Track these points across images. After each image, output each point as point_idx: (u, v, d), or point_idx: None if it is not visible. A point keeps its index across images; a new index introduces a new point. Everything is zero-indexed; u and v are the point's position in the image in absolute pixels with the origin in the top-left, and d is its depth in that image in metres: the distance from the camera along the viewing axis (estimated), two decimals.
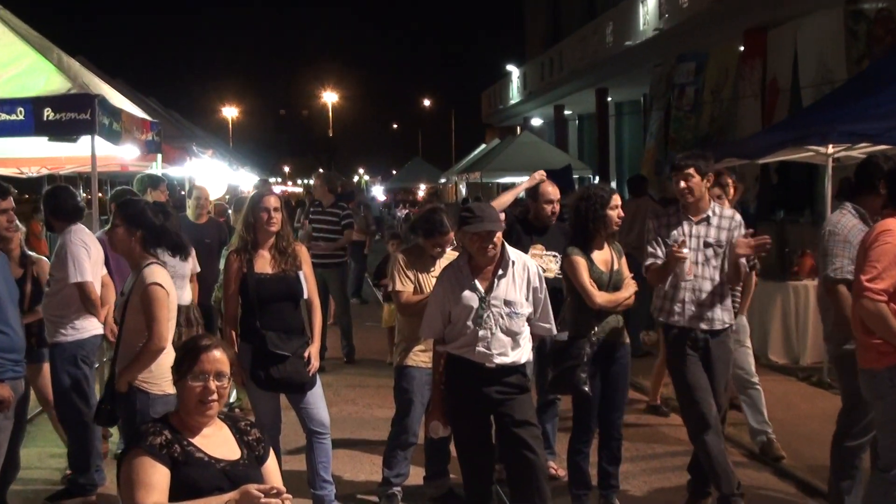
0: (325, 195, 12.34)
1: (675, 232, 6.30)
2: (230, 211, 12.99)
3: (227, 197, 19.60)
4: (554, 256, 7.09)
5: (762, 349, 11.19)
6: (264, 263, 6.28)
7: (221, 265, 8.42)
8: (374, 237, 20.75)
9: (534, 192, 7.37)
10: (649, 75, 23.47)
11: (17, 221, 7.25)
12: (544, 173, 7.55)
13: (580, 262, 6.27)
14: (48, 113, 7.51)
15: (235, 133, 71.39)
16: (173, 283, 5.64)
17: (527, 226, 7.29)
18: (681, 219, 6.33)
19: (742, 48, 18.46)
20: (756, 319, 10.60)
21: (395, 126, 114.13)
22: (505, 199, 7.65)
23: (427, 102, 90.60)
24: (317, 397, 6.35)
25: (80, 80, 8.02)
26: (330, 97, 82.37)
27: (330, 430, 6.46)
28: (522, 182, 7.80)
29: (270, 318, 6.17)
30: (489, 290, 5.47)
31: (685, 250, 6.05)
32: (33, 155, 11.13)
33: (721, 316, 6.28)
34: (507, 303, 5.46)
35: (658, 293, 6.41)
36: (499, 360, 5.44)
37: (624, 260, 6.51)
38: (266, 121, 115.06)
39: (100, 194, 9.98)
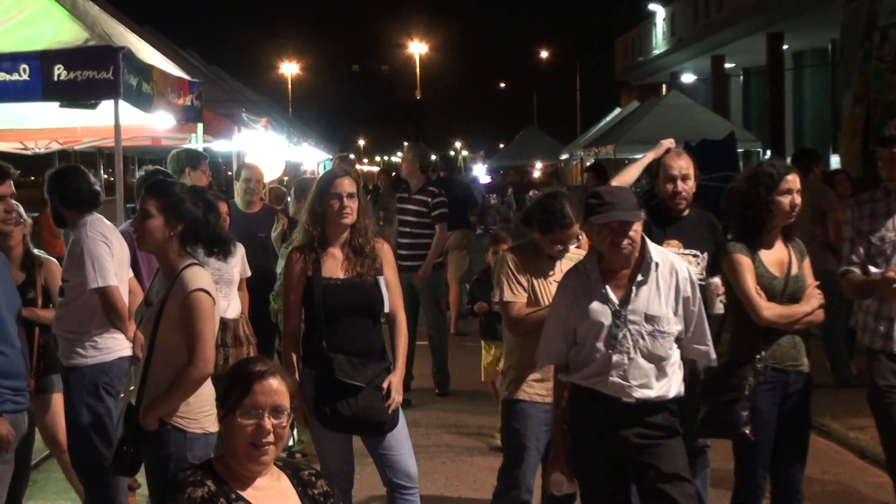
0: (415, 174, 12.21)
1: (885, 228, 6.16)
2: (290, 197, 13.09)
3: (286, 179, 19.77)
4: (694, 256, 6.95)
5: None
6: (335, 265, 6.31)
7: (279, 267, 8.48)
8: (473, 231, 20.73)
9: (657, 167, 7.22)
10: (839, 14, 22.98)
11: (22, 212, 7.36)
12: (673, 141, 7.40)
13: (743, 262, 6.17)
14: (59, 71, 7.57)
15: (296, 96, 72.41)
16: (217, 291, 5.69)
17: (656, 215, 7.07)
18: (892, 207, 6.19)
19: None
20: None
21: (502, 86, 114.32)
22: (628, 177, 7.50)
23: (544, 55, 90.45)
24: (400, 441, 6.36)
25: (99, 29, 8.08)
26: (417, 48, 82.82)
27: (418, 483, 6.45)
28: (654, 151, 7.61)
29: (341, 337, 6.20)
30: (625, 301, 5.43)
31: None
32: (41, 125, 11.32)
33: None
34: (650, 318, 5.42)
35: (860, 305, 6.27)
36: (639, 393, 5.39)
37: (807, 262, 6.37)
38: (335, 80, 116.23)
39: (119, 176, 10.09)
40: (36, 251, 7.75)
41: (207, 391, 5.30)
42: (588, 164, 34.25)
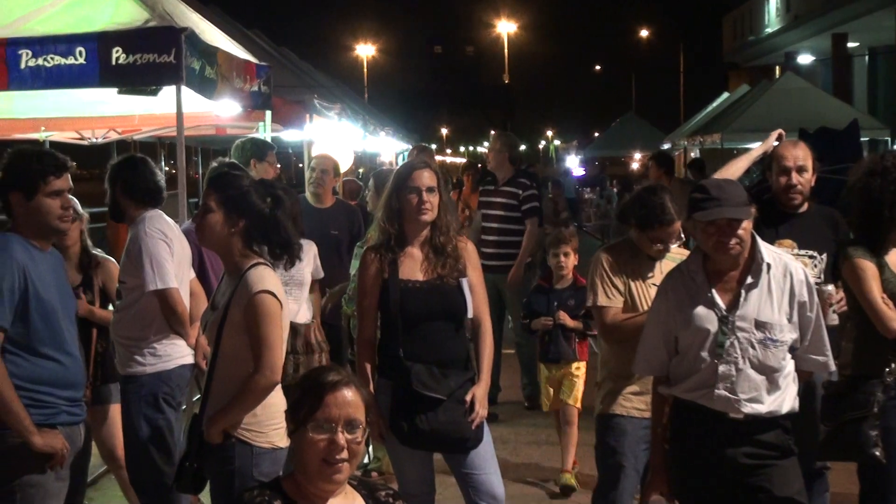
0: (503, 165, 12.13)
1: None
2: (367, 191, 13.12)
3: (362, 171, 19.83)
4: (811, 258, 6.87)
5: None
6: (413, 266, 6.32)
7: (353, 268, 8.50)
8: (565, 228, 20.69)
9: (769, 158, 7.12)
10: None
11: (79, 208, 7.45)
12: (783, 132, 7.31)
13: (866, 268, 6.10)
14: (118, 54, 7.62)
15: (372, 80, 72.73)
16: (285, 293, 5.72)
17: (769, 211, 6.97)
18: None
19: None
20: None
21: (597, 69, 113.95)
22: (734, 169, 7.42)
23: (644, 34, 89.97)
24: (485, 459, 6.35)
25: (160, 9, 8.13)
26: (506, 28, 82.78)
27: None
28: (764, 144, 7.54)
29: (420, 345, 6.21)
30: (733, 306, 5.39)
31: None
32: (98, 113, 11.43)
33: None
34: (761, 325, 5.38)
35: None
36: (748, 408, 5.35)
37: None
38: (415, 63, 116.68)
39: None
40: (95, 250, 7.85)
41: (277, 402, 5.31)
42: (692, 154, 34.11)
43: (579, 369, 9.30)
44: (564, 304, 9.36)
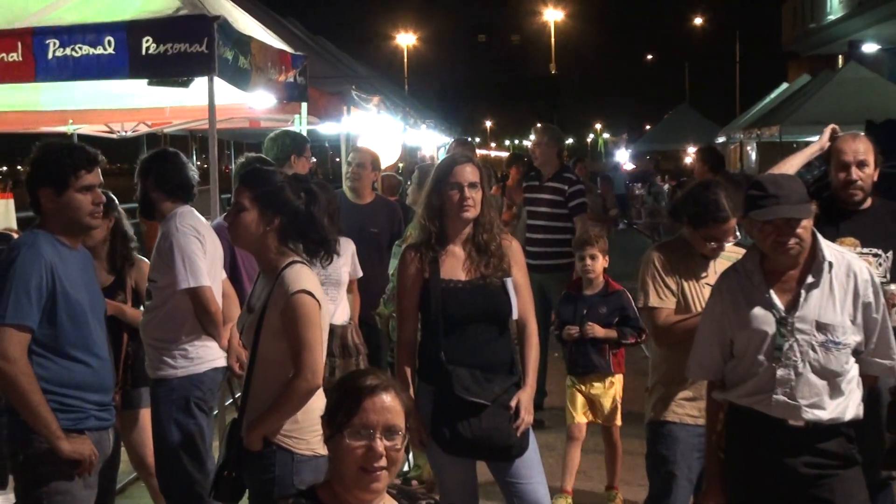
0: (550, 160, 12.10)
1: None
2: (409, 183, 13.13)
3: (402, 166, 19.82)
4: (875, 256, 6.83)
5: None
6: (455, 266, 6.33)
7: (392, 267, 8.51)
8: (614, 225, 20.65)
9: (828, 153, 7.08)
10: None
11: (115, 201, 7.49)
12: (836, 127, 7.26)
13: None
14: (148, 44, 7.67)
15: (413, 71, 72.75)
16: (324, 293, 5.73)
17: (829, 208, 6.91)
18: None
19: None
20: None
21: (649, 58, 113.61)
22: (787, 167, 7.38)
23: (698, 21, 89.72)
24: (530, 467, 6.35)
25: None
26: (553, 15, 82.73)
27: None
28: (819, 141, 7.49)
29: (462, 348, 6.21)
30: (792, 306, 5.38)
31: None
32: (128, 105, 11.54)
33: None
34: (822, 326, 5.36)
35: None
36: (809, 414, 5.34)
37: None
38: (458, 53, 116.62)
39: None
40: (132, 245, 7.90)
41: (318, 408, 5.29)
42: (749, 147, 33.96)
43: (613, 384, 8.97)
44: (594, 312, 8.95)
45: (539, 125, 12.98)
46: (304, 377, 5.36)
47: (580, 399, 9.00)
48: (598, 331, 8.84)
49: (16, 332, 5.39)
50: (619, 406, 8.97)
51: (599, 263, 9.04)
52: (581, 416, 9.00)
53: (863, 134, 7.16)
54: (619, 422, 8.99)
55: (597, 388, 8.92)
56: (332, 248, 5.78)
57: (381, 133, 16.18)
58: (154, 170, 7.16)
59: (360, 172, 9.98)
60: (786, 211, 5.24)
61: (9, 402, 5.57)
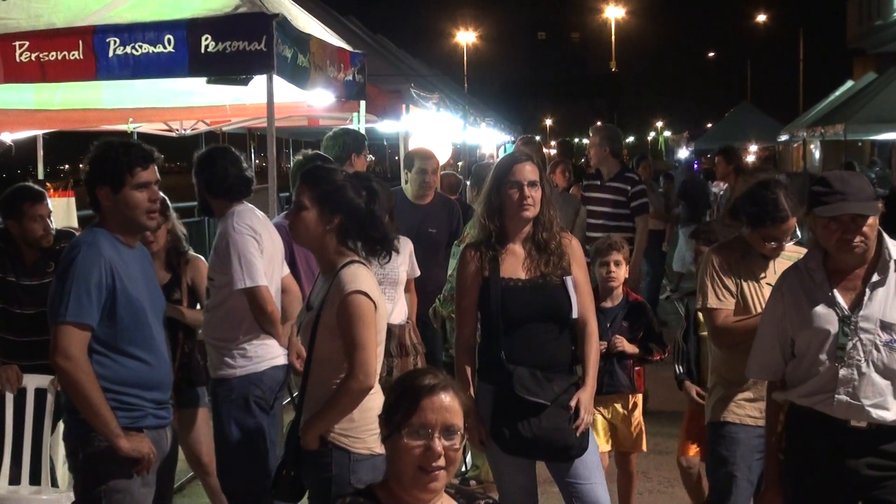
0: (605, 160, 12.11)
1: None
2: (467, 185, 13.10)
3: (461, 164, 19.82)
4: None
5: None
6: (515, 264, 6.31)
7: (451, 268, 8.50)
8: (677, 224, 20.55)
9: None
10: None
11: (169, 207, 7.53)
12: None
13: None
14: (207, 42, 7.68)
15: (473, 69, 72.73)
16: (381, 293, 5.74)
17: (891, 206, 6.83)
18: None
19: None
20: None
21: (710, 56, 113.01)
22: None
23: (761, 18, 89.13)
24: (590, 468, 6.34)
25: None
26: (613, 13, 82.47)
27: None
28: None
29: (522, 347, 6.20)
30: (856, 305, 5.34)
31: None
32: (187, 103, 11.60)
33: None
34: (886, 326, 5.32)
35: None
36: (873, 414, 5.30)
37: None
38: (518, 50, 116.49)
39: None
40: (186, 246, 7.95)
41: (375, 407, 5.29)
42: (812, 146, 33.72)
43: (637, 405, 8.26)
44: (618, 326, 8.22)
45: (593, 126, 12.91)
46: (357, 377, 5.38)
47: (602, 423, 8.10)
48: (626, 346, 8.13)
49: (76, 330, 5.44)
50: (644, 430, 8.32)
51: (622, 271, 8.38)
52: (604, 444, 8.05)
53: None
54: (644, 447, 8.39)
55: (619, 410, 8.18)
56: (392, 247, 5.80)
57: (434, 131, 16.15)
58: (201, 174, 7.15)
59: (427, 179, 9.97)
60: (852, 207, 5.20)
61: (68, 400, 5.63)
